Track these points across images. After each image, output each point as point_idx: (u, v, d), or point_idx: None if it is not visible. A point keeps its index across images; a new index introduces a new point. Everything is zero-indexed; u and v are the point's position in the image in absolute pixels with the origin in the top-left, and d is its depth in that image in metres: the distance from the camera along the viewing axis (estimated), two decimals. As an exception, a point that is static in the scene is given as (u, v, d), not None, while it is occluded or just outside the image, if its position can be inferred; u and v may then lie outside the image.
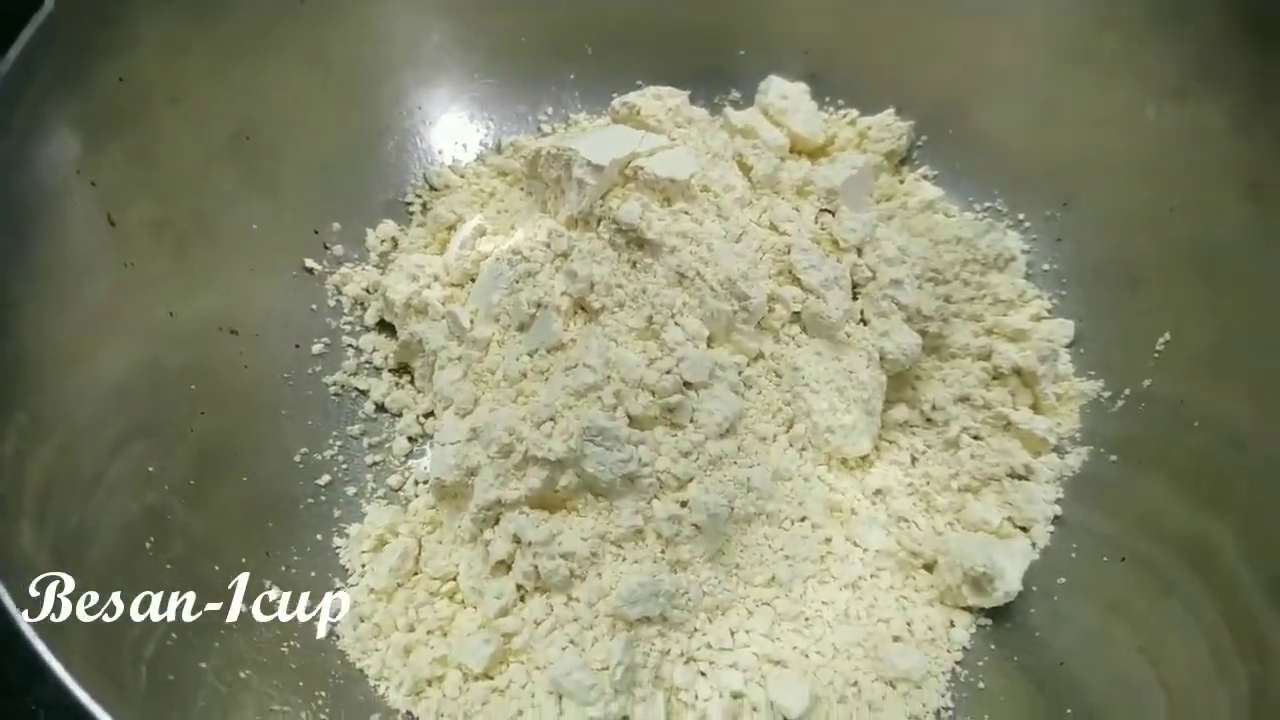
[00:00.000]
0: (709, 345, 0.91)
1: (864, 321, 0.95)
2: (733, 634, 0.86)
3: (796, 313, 0.92)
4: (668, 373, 0.86)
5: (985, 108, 1.10)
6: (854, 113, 1.17)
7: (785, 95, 1.12)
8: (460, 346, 0.96)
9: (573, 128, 1.18)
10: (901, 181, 1.14)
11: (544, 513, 0.86)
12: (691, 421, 0.87)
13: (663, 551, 0.85)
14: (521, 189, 1.09)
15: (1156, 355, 0.93)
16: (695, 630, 0.86)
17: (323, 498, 0.96)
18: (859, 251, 0.95)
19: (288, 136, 1.04)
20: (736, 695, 0.84)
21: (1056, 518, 0.92)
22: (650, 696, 0.81)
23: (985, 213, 1.10)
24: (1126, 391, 0.94)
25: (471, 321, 0.97)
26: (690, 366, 0.87)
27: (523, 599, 0.86)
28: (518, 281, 0.94)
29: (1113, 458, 0.93)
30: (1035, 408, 0.97)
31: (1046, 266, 1.05)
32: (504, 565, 0.86)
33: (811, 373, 0.91)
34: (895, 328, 0.93)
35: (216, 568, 0.84)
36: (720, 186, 0.95)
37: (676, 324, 0.89)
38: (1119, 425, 0.94)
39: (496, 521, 0.87)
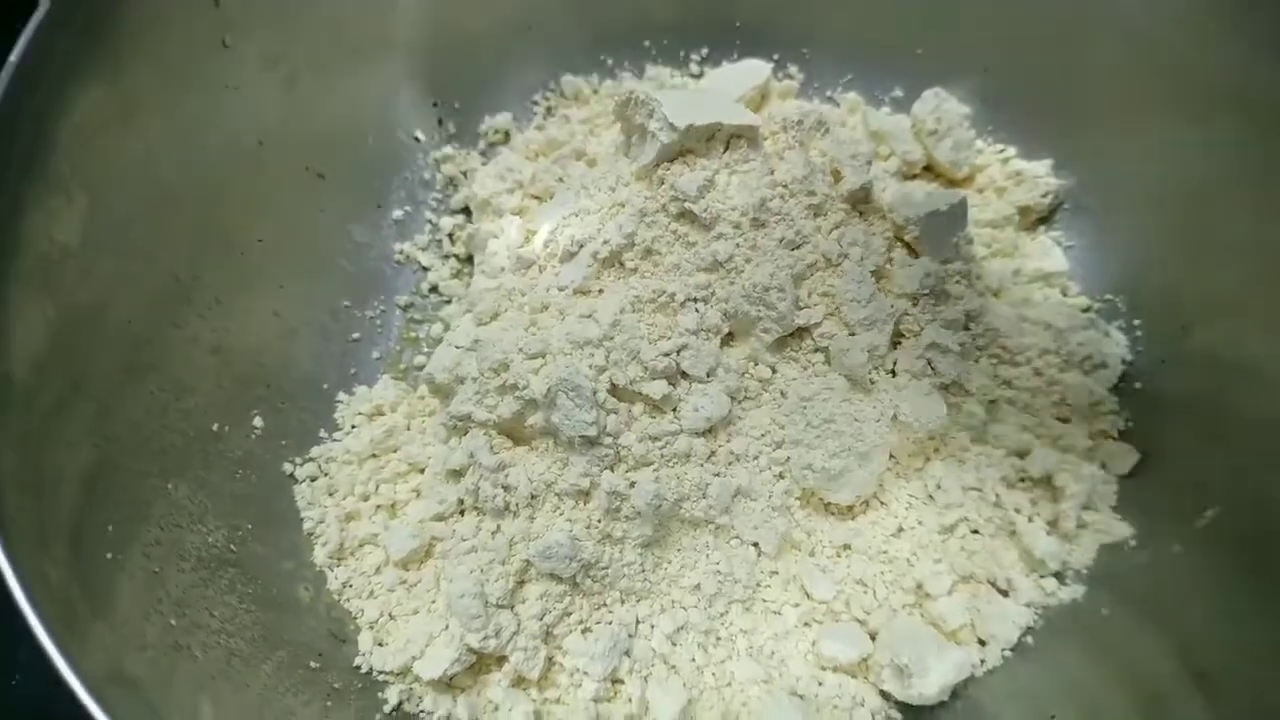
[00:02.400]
0: (726, 343, 0.88)
1: (893, 373, 0.88)
2: (638, 622, 0.86)
3: (825, 345, 0.88)
4: (666, 355, 0.84)
5: (1139, 196, 0.97)
6: (1012, 151, 1.06)
7: (940, 118, 1.03)
8: (506, 258, 0.97)
9: (704, 78, 1.14)
10: (1033, 239, 1.04)
11: (507, 441, 0.88)
12: (674, 410, 0.85)
13: (599, 521, 0.85)
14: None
15: (1203, 523, 0.82)
16: (602, 605, 0.86)
17: (345, 352, 1.02)
18: (914, 300, 0.88)
19: (437, 5, 1.06)
20: (616, 680, 0.84)
21: (1018, 644, 0.85)
22: (533, 650, 0.83)
23: (1102, 305, 0.98)
24: (1152, 549, 0.84)
25: (528, 238, 0.98)
26: (691, 357, 0.85)
27: (461, 513, 0.89)
28: (575, 214, 0.94)
29: (1105, 610, 0.84)
30: (1053, 525, 0.89)
31: (1140, 385, 0.94)
32: (457, 475, 0.89)
33: (817, 407, 0.87)
34: (921, 392, 0.86)
35: (224, 382, 0.91)
36: (802, 189, 0.89)
37: (696, 310, 0.86)
38: (1127, 579, 0.84)
39: (465, 433, 0.89)
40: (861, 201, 0.91)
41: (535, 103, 1.14)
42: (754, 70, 1.11)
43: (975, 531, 0.89)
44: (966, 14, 1.06)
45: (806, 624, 0.86)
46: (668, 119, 0.86)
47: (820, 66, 1.13)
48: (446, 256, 1.09)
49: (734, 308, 0.86)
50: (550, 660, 0.84)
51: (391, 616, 0.87)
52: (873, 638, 0.85)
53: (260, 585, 0.82)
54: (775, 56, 1.13)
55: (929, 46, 1.09)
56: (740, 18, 1.14)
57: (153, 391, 0.82)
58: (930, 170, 1.06)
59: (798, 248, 0.88)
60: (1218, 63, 0.90)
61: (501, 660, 0.84)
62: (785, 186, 0.88)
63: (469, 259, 1.08)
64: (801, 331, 0.88)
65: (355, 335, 1.03)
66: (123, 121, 0.83)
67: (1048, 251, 1.02)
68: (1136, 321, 0.96)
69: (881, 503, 0.90)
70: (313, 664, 0.79)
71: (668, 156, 0.88)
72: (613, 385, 0.84)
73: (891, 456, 0.90)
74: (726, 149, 0.89)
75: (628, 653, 0.84)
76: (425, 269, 1.08)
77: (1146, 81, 0.97)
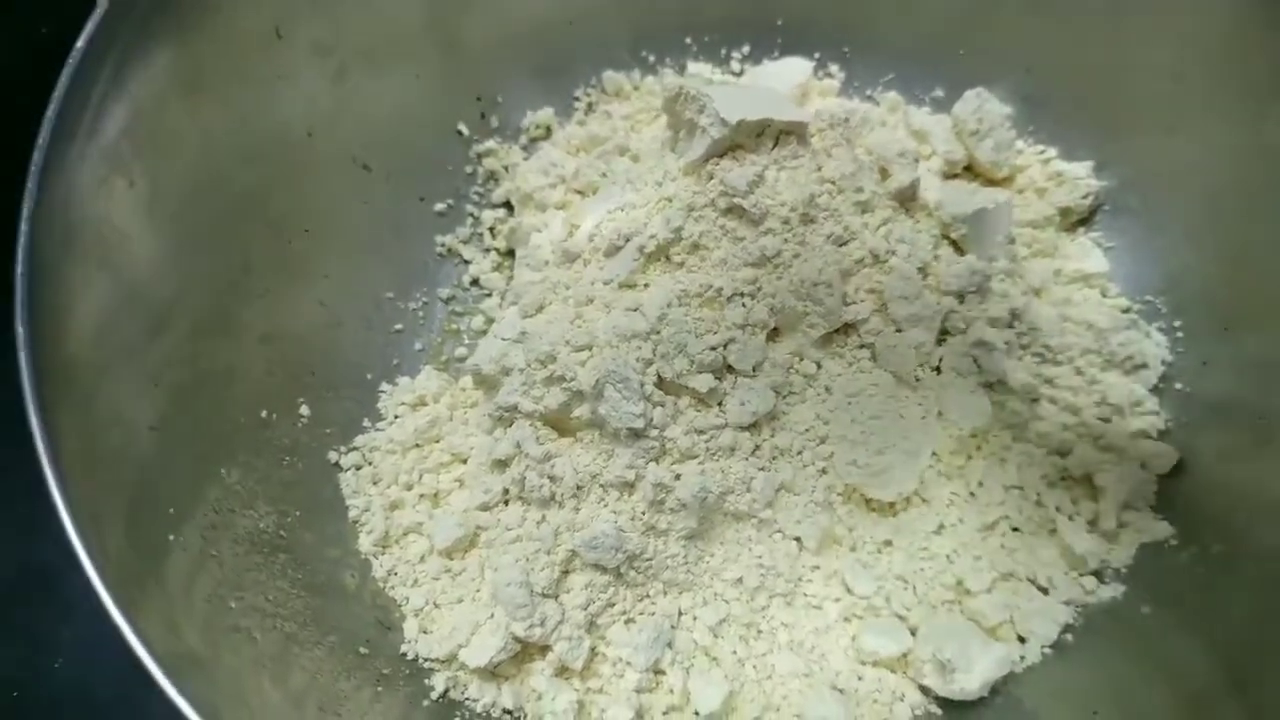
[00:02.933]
0: (772, 338, 0.89)
1: (938, 370, 0.89)
2: (680, 614, 0.87)
3: (872, 341, 0.88)
4: (713, 349, 0.85)
5: (1180, 197, 0.97)
6: (1052, 152, 1.07)
7: (981, 119, 1.04)
8: (550, 251, 0.98)
9: (745, 76, 1.14)
10: (1073, 240, 1.04)
11: (553, 433, 0.88)
12: (720, 404, 0.86)
13: (644, 513, 0.85)
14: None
15: (1242, 524, 0.82)
16: (646, 597, 0.87)
17: (389, 343, 1.03)
18: (960, 298, 0.88)
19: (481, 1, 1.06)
20: (658, 671, 0.85)
21: (1057, 641, 0.85)
22: (577, 640, 0.84)
23: (1142, 306, 0.99)
24: (1193, 549, 0.85)
25: (571, 232, 0.99)
26: (738, 351, 0.85)
27: (506, 503, 0.90)
28: (622, 209, 0.95)
29: (1145, 609, 0.84)
30: (1093, 524, 0.89)
31: (1180, 386, 0.94)
32: (502, 465, 0.90)
33: (862, 403, 0.87)
34: (966, 390, 0.87)
35: (273, 370, 0.92)
36: (850, 185, 0.90)
37: (744, 305, 0.87)
38: (1167, 578, 0.85)
39: (511, 424, 0.90)
40: (908, 199, 0.92)
41: (576, 99, 1.15)
42: (796, 68, 1.11)
43: (1016, 529, 0.89)
44: (1009, 13, 1.06)
45: (847, 619, 0.87)
46: (719, 114, 0.87)
47: (861, 65, 1.13)
48: (488, 250, 1.10)
49: (781, 303, 0.86)
50: (594, 650, 0.85)
51: (436, 605, 0.87)
52: (913, 633, 0.86)
53: (309, 571, 0.83)
54: (816, 55, 1.13)
55: (970, 46, 1.09)
56: (782, 16, 1.14)
57: (206, 376, 0.83)
58: (971, 170, 1.06)
59: (845, 244, 0.88)
60: (1266, 62, 0.90)
61: (545, 649, 0.84)
62: (833, 183, 0.89)
63: (510, 253, 1.09)
64: (848, 328, 0.88)
65: (398, 326, 1.04)
66: (182, 108, 0.84)
67: (1088, 252, 1.02)
68: (1177, 323, 0.96)
69: (923, 499, 0.91)
70: (362, 650, 0.80)
71: (717, 152, 0.89)
72: (659, 378, 0.85)
73: (934, 454, 0.90)
74: (775, 145, 0.90)
75: (670, 644, 0.85)
76: (467, 262, 1.09)
77: (1191, 81, 0.97)
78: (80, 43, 0.74)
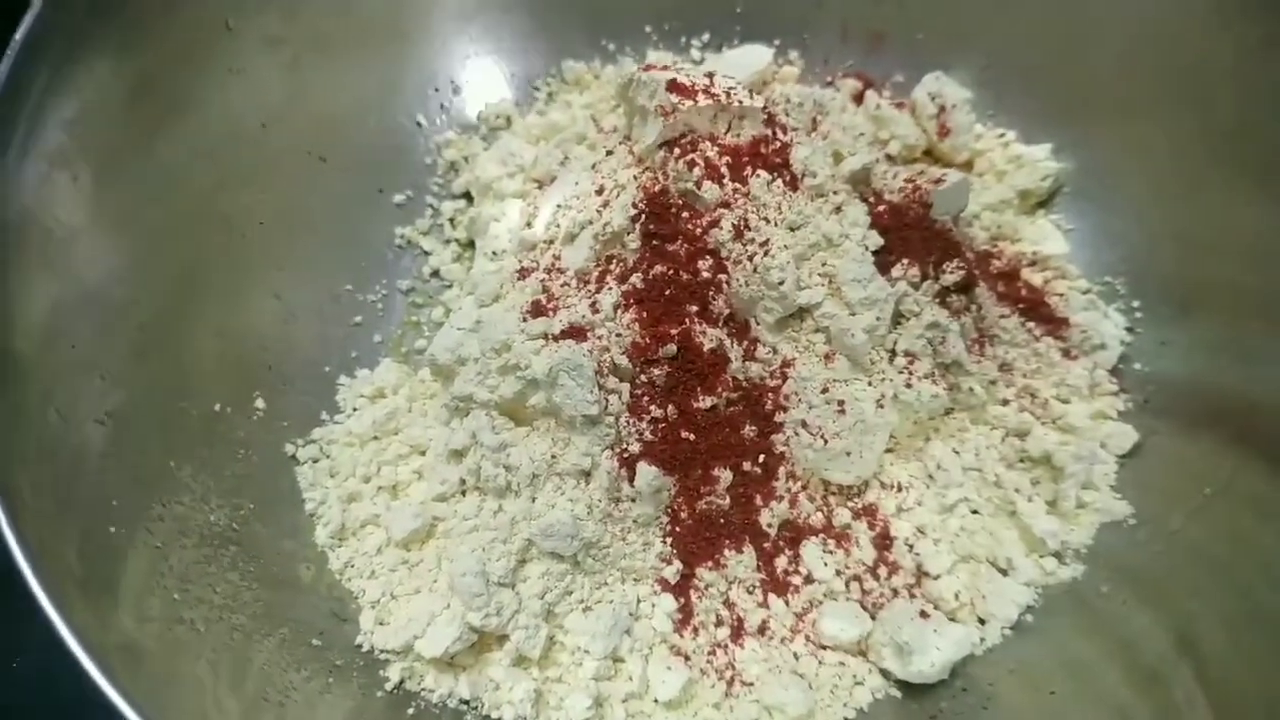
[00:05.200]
0: (728, 323, 0.89)
1: (893, 354, 0.89)
2: (639, 601, 0.86)
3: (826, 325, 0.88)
4: (668, 336, 0.84)
5: (1139, 180, 0.97)
6: (1012, 135, 1.07)
7: (942, 103, 1.03)
8: (508, 240, 0.97)
9: (705, 63, 1.14)
10: (1033, 223, 1.04)
11: (509, 422, 0.88)
12: (676, 391, 0.86)
13: (600, 501, 0.85)
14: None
15: (1199, 502, 0.82)
16: (604, 584, 0.86)
17: (347, 336, 1.02)
18: (914, 283, 0.88)
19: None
20: (617, 659, 0.84)
21: (1017, 622, 0.85)
22: (534, 628, 0.83)
23: (1101, 287, 0.99)
24: (1151, 526, 0.85)
25: (530, 221, 0.98)
26: (696, 338, 0.85)
27: (463, 493, 0.89)
28: (577, 197, 0.94)
29: (1104, 588, 0.84)
30: (1052, 505, 0.89)
31: (1139, 366, 0.94)
32: (459, 455, 0.89)
33: (817, 387, 0.87)
34: (921, 372, 0.87)
35: (227, 363, 0.91)
36: (804, 170, 0.90)
37: (698, 291, 0.86)
38: (1127, 556, 0.85)
39: (468, 414, 0.90)
40: (862, 183, 0.91)
41: (536, 88, 1.15)
42: (755, 55, 1.11)
43: (975, 512, 0.89)
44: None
45: (808, 604, 0.87)
46: (673, 99, 0.87)
47: (821, 52, 1.13)
48: (448, 241, 1.09)
49: (736, 289, 0.86)
50: (551, 639, 0.84)
51: (393, 596, 0.87)
52: (872, 617, 0.86)
53: (262, 564, 0.82)
54: (776, 42, 1.13)
55: (930, 31, 1.10)
56: (741, 3, 1.14)
57: (157, 371, 0.83)
58: (930, 155, 1.06)
59: (799, 228, 0.88)
60: (1216, 49, 0.90)
61: (503, 639, 0.84)
62: (787, 167, 0.89)
63: (470, 244, 1.09)
64: (802, 312, 0.88)
65: (357, 319, 1.03)
66: (128, 102, 0.84)
67: (1048, 235, 1.02)
68: (1136, 304, 0.96)
69: (882, 483, 0.90)
70: (315, 641, 0.80)
71: (670, 136, 0.88)
72: (614, 365, 0.85)
73: (892, 437, 0.90)
74: (729, 130, 0.89)
75: (628, 631, 0.85)
76: (427, 254, 1.08)
77: (1146, 67, 0.98)
78: (19, 35, 0.73)
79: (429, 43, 1.07)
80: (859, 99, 1.09)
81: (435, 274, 1.08)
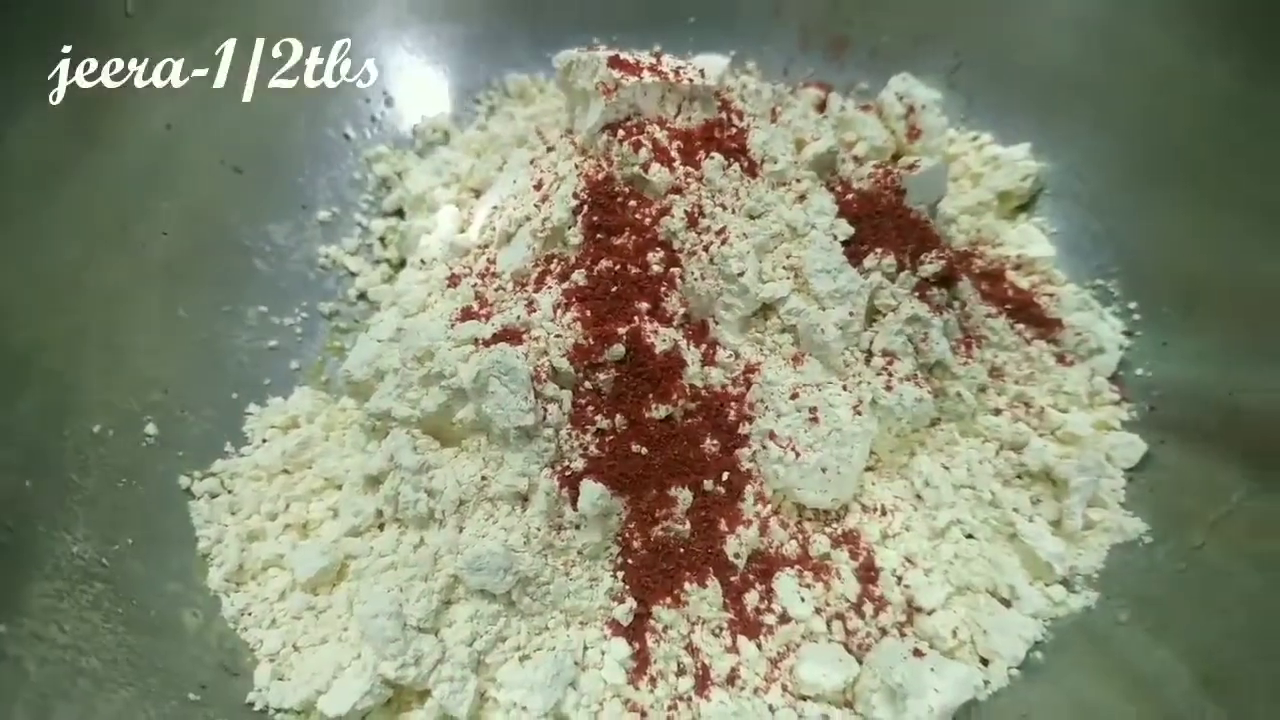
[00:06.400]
0: (684, 324, 0.79)
1: (870, 355, 0.79)
2: (585, 649, 0.74)
3: (793, 323, 0.78)
4: (614, 339, 0.74)
5: (1125, 177, 0.90)
6: (987, 137, 1.00)
7: (911, 103, 0.96)
8: (439, 249, 0.88)
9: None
10: (1014, 227, 0.96)
11: (433, 442, 0.77)
12: (621, 400, 0.75)
13: (539, 529, 0.73)
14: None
15: (1224, 513, 0.72)
16: (544, 629, 0.74)
17: (259, 361, 0.91)
18: (890, 275, 0.79)
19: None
20: (560, 716, 0.71)
21: (1025, 661, 0.73)
22: (461, 681, 0.70)
23: (1093, 290, 0.90)
24: (1170, 545, 0.74)
25: (463, 227, 0.89)
26: (646, 339, 0.75)
27: (380, 527, 0.77)
28: (514, 196, 0.85)
29: (1121, 616, 0.73)
30: (1057, 525, 0.78)
31: (1140, 371, 0.85)
32: (375, 482, 0.78)
33: (786, 392, 0.77)
34: (903, 374, 0.77)
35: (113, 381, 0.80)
36: (763, 155, 0.81)
37: (649, 287, 0.76)
38: (1145, 580, 0.74)
39: (386, 434, 0.78)
40: (827, 169, 0.83)
41: (477, 101, 1.07)
42: (709, 65, 1.04)
43: (970, 535, 0.79)
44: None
45: (783, 647, 0.74)
46: (615, 75, 0.78)
47: (780, 61, 1.07)
48: (377, 262, 1.00)
49: (691, 283, 0.77)
50: (482, 694, 0.72)
51: (296, 647, 0.74)
52: (859, 660, 0.74)
53: (135, 606, 0.70)
54: (732, 53, 1.07)
55: (894, 33, 1.04)
56: (694, 13, 1.08)
57: (24, 380, 0.72)
58: (898, 159, 0.98)
59: (759, 216, 0.79)
60: (1176, 46, 0.85)
61: (424, 695, 0.72)
62: (745, 152, 0.80)
63: (401, 264, 0.99)
64: (766, 309, 0.79)
65: (272, 343, 0.93)
66: (4, 86, 0.74)
67: (1031, 238, 0.95)
68: (1132, 305, 0.88)
69: (863, 506, 0.79)
70: (192, 696, 0.67)
71: (614, 119, 0.80)
72: (554, 369, 0.74)
73: (873, 453, 0.80)
74: (679, 114, 0.81)
75: (573, 684, 0.72)
76: (353, 274, 0.99)
77: (1120, 58, 0.92)
78: None
79: (358, 49, 0.99)
80: (821, 108, 1.02)
81: (362, 296, 0.98)
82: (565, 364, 0.74)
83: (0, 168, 0.75)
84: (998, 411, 0.82)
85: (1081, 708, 0.71)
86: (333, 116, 1.00)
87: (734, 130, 0.82)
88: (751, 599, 0.75)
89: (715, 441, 0.77)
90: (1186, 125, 0.87)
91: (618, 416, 0.74)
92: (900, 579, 0.77)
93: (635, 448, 0.74)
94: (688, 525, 0.75)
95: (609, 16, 1.08)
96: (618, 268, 0.77)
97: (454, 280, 0.85)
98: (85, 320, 0.79)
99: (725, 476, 0.76)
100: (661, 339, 0.76)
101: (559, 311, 0.76)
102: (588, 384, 0.75)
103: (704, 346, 0.78)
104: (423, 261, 0.89)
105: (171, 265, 0.87)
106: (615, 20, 1.08)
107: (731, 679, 0.74)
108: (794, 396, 0.77)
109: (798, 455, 0.76)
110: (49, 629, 0.61)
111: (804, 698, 0.73)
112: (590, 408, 0.75)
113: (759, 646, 0.74)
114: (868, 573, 0.77)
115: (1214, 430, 0.78)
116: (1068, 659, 0.73)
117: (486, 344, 0.75)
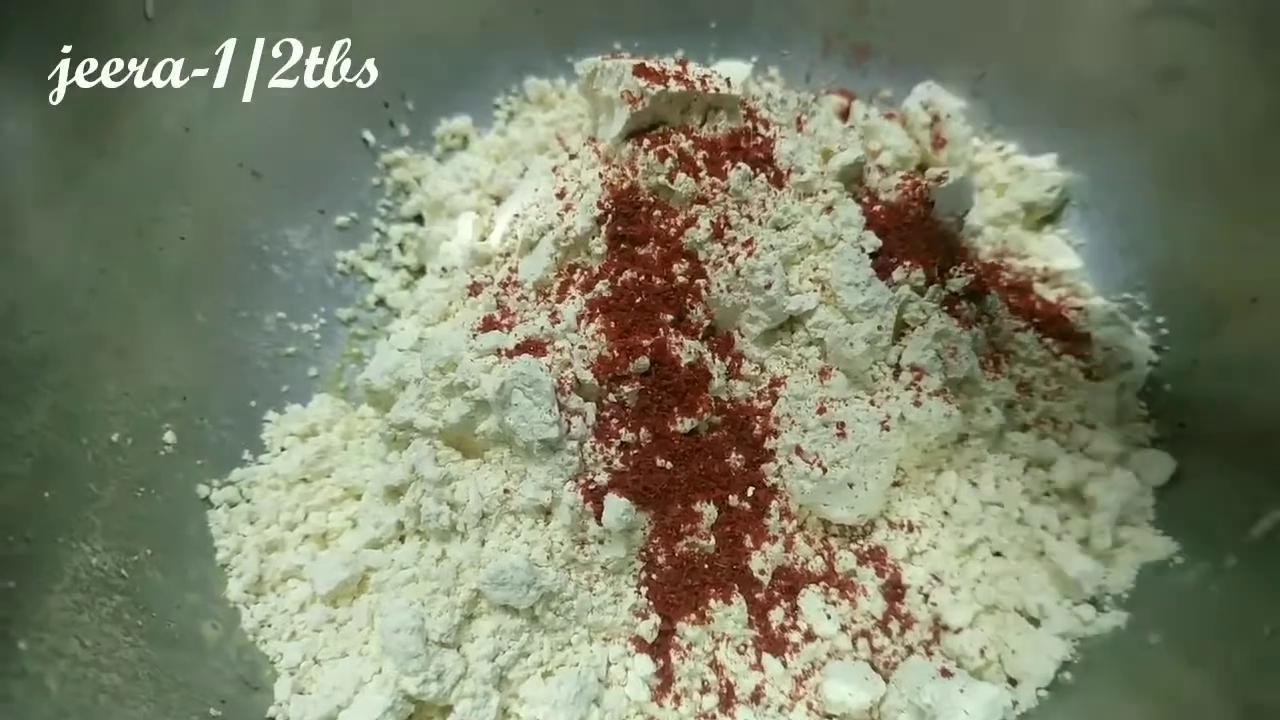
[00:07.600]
0: (709, 336, 0.78)
1: (898, 369, 0.78)
2: (609, 665, 0.73)
3: (820, 336, 0.77)
4: (639, 350, 0.73)
5: (1154, 189, 0.89)
6: (1012, 147, 0.99)
7: (936, 112, 0.96)
8: (459, 256, 0.87)
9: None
10: (1040, 239, 0.95)
11: (455, 453, 0.76)
12: (646, 413, 0.74)
13: (562, 543, 0.72)
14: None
15: (1257, 534, 0.71)
16: (567, 645, 0.73)
17: (277, 368, 0.90)
18: (919, 288, 0.78)
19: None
20: (584, 738, 0.70)
21: (1054, 682, 0.72)
22: (483, 697, 0.69)
23: (1121, 304, 0.89)
24: (1202, 567, 0.73)
25: (484, 235, 0.88)
26: (671, 351, 0.74)
27: (401, 538, 0.76)
28: (536, 204, 0.84)
29: (1153, 638, 0.72)
30: (1085, 543, 0.77)
31: (1169, 387, 0.84)
32: (396, 494, 0.77)
33: (813, 407, 0.76)
34: (931, 389, 0.76)
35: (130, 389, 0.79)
36: (790, 166, 0.80)
37: (673, 299, 0.76)
38: (1175, 601, 0.72)
39: (407, 444, 0.77)
40: (854, 180, 0.82)
41: (497, 106, 1.06)
42: (732, 73, 1.03)
43: (998, 553, 0.78)
44: (955, 8, 1.00)
45: (809, 665, 0.74)
46: (640, 84, 0.77)
47: (802, 68, 1.06)
48: (396, 267, 0.99)
49: (716, 295, 0.76)
50: (504, 710, 0.71)
51: (316, 660, 0.73)
52: (885, 679, 0.73)
53: (155, 618, 0.69)
54: (754, 59, 1.06)
55: (917, 41, 1.02)
56: (715, 18, 1.06)
57: (39, 388, 0.71)
58: (923, 170, 0.97)
59: (786, 228, 0.78)
60: (1209, 58, 0.84)
61: (446, 710, 0.70)
62: (771, 162, 0.79)
63: (421, 270, 0.98)
64: (793, 322, 0.77)
65: (290, 350, 0.92)
66: (22, 89, 0.73)
67: (1058, 250, 0.94)
68: (1160, 319, 0.87)
69: (890, 522, 0.78)
70: (213, 711, 0.66)
71: (639, 126, 0.79)
72: (578, 382, 0.73)
73: (899, 469, 0.78)
74: (704, 123, 0.80)
75: (597, 701, 0.71)
76: (372, 280, 0.98)
77: (1144, 76, 0.91)
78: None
79: (376, 51, 0.98)
80: (844, 115, 1.01)
81: (381, 302, 0.97)
82: (589, 376, 0.73)
83: (14, 172, 0.74)
84: (1025, 428, 0.81)
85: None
86: (352, 121, 0.99)
87: (760, 139, 0.81)
88: (777, 616, 0.75)
89: (740, 456, 0.76)
90: (1217, 138, 0.85)
91: (642, 430, 0.74)
92: (927, 596, 0.76)
93: (660, 462, 0.74)
94: (712, 541, 0.74)
95: (629, 21, 1.07)
96: (642, 279, 0.76)
97: (475, 289, 0.84)
98: (101, 327, 0.77)
99: (750, 492, 0.76)
100: (686, 351, 0.75)
101: (582, 323, 0.76)
102: (612, 396, 0.74)
103: (729, 359, 0.77)
104: (443, 269, 0.88)
105: (188, 270, 0.86)
106: (635, 25, 1.07)
107: (756, 697, 0.73)
108: (820, 411, 0.76)
109: (824, 471, 0.74)
110: (69, 644, 0.60)
111: (829, 716, 0.72)
112: (614, 421, 0.74)
113: (784, 664, 0.73)
114: (894, 590, 0.76)
115: (1245, 448, 0.77)
116: (1098, 680, 0.72)
117: (510, 355, 0.74)
